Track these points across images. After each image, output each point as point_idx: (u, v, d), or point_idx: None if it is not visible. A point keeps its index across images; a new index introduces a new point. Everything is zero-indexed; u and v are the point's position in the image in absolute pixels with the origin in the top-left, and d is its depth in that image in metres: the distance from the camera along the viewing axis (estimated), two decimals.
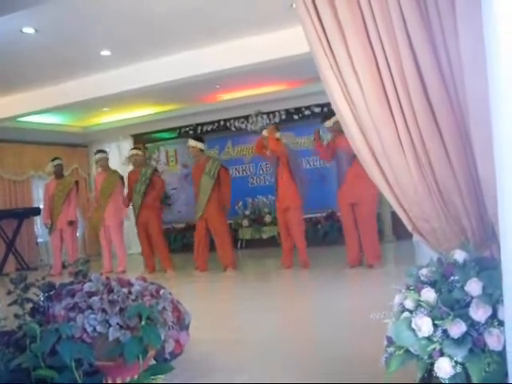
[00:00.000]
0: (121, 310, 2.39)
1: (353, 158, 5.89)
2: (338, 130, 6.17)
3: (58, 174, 8.98)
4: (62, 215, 8.78)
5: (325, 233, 9.47)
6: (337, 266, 6.73)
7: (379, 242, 6.65)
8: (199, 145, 7.61)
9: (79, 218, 9.87)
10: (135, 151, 8.46)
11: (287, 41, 6.15)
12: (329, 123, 6.62)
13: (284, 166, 7.10)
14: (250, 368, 3.15)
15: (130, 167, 8.51)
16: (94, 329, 2.33)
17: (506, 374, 1.63)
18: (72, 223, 8.91)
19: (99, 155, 8.66)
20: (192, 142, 7.68)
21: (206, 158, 7.63)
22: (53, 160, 8.96)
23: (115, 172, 8.72)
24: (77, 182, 9.47)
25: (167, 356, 2.66)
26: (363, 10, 2.08)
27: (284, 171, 7.10)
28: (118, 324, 2.35)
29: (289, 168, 7.11)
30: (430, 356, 1.81)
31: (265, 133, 7.28)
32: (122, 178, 8.61)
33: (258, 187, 10.66)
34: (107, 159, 8.74)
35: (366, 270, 6.32)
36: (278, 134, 7.26)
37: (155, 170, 8.36)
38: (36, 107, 8.32)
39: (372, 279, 5.86)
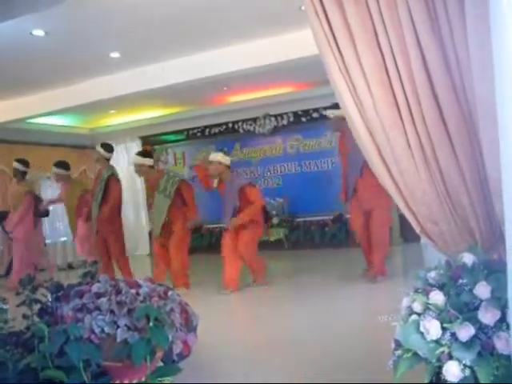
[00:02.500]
0: (129, 311, 2.40)
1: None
2: (341, 129, 5.97)
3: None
4: None
5: (332, 235, 9.42)
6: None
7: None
8: (146, 161, 6.50)
9: None
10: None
11: (296, 43, 6.15)
12: (330, 113, 6.09)
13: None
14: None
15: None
16: (102, 330, 2.34)
17: None
18: None
19: (56, 170, 7.59)
20: (137, 160, 6.54)
21: (158, 174, 6.65)
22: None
23: (77, 183, 7.95)
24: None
25: (175, 357, 2.66)
26: (372, 13, 2.08)
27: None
28: (125, 325, 2.35)
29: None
30: (439, 359, 1.80)
31: (213, 157, 6.33)
32: (86, 190, 7.70)
33: (266, 189, 10.64)
34: (67, 176, 7.74)
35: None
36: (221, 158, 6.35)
37: (113, 172, 6.91)
38: (45, 109, 8.35)
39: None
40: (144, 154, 6.68)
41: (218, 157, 6.26)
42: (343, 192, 6.26)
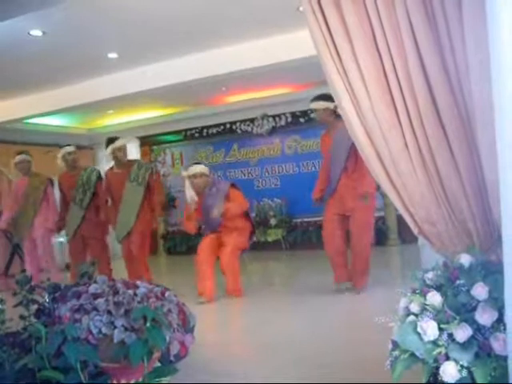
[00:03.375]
0: (126, 311, 2.39)
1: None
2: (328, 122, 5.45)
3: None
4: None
5: None
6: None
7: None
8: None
9: None
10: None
11: (294, 44, 6.16)
12: (316, 104, 5.42)
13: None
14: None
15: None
16: (100, 330, 2.33)
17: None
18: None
19: (19, 157, 7.01)
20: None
21: (129, 163, 6.35)
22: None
23: (38, 176, 7.17)
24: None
25: (172, 358, 2.66)
26: (370, 15, 2.08)
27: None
28: (123, 326, 2.35)
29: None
30: (436, 360, 1.80)
31: (195, 170, 5.77)
32: (51, 181, 7.21)
33: (264, 190, 10.66)
34: (29, 162, 7.07)
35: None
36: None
37: (100, 174, 6.73)
38: (43, 109, 8.36)
39: None
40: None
41: (201, 169, 5.79)
42: (317, 190, 5.59)
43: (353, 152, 5.01)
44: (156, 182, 6.38)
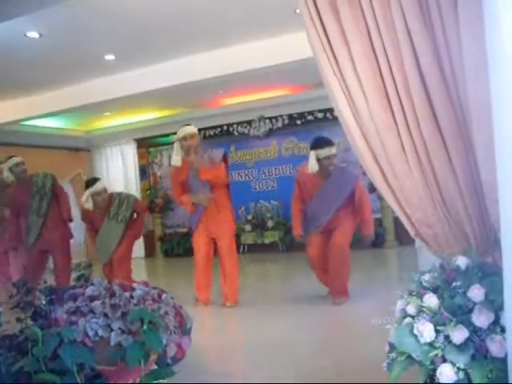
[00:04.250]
0: (123, 314, 2.39)
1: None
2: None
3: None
4: None
5: None
6: None
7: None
8: None
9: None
10: (17, 159, 5.98)
11: (290, 46, 6.17)
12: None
13: None
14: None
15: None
16: (96, 333, 2.33)
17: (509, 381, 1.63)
18: None
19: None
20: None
21: (109, 199, 5.82)
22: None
23: None
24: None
25: (169, 361, 2.65)
26: (366, 17, 2.09)
27: None
28: (119, 328, 2.35)
29: None
30: (432, 362, 1.81)
31: (188, 131, 5.51)
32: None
33: (261, 192, 10.67)
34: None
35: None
36: None
37: (54, 177, 6.15)
38: (40, 111, 8.35)
39: None
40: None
41: (192, 129, 5.50)
42: (298, 225, 5.37)
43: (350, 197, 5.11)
44: (137, 219, 5.96)
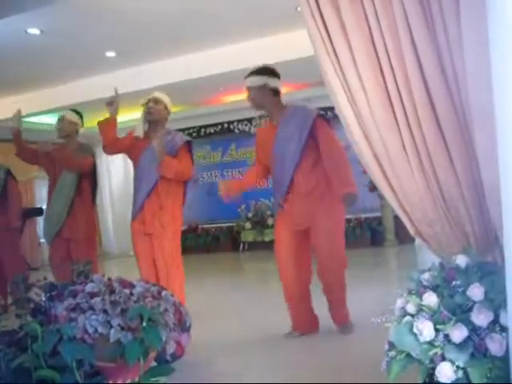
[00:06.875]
0: (122, 311, 2.39)
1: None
2: None
3: None
4: None
5: None
6: None
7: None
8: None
9: None
10: None
11: (291, 44, 6.17)
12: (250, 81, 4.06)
13: None
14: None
15: None
16: (96, 330, 2.33)
17: (509, 379, 1.63)
18: None
19: None
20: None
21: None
22: None
23: None
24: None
25: (168, 358, 2.66)
26: (368, 15, 2.08)
27: None
28: (119, 325, 2.35)
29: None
30: (432, 360, 1.81)
31: (159, 97, 4.46)
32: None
33: (261, 190, 10.65)
34: None
35: None
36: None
37: (9, 170, 5.85)
38: (40, 108, 8.35)
39: None
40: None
41: (159, 95, 4.46)
42: (236, 187, 4.36)
43: (310, 146, 3.86)
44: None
